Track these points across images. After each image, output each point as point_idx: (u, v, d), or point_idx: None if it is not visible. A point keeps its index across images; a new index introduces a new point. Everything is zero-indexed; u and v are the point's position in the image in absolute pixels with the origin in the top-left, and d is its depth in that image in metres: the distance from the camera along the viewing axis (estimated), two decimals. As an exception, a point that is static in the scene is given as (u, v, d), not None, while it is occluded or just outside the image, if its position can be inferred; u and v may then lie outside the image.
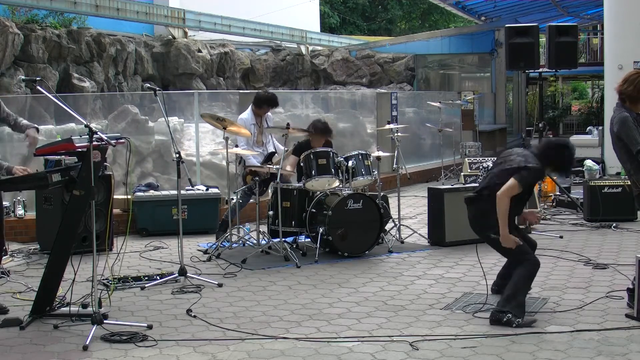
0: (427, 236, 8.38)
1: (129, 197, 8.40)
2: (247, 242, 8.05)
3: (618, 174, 12.15)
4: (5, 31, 14.59)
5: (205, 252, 7.88)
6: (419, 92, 20.79)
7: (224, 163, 8.61)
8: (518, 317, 5.20)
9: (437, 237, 8.14)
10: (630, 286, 5.58)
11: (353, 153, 8.01)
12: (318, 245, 7.57)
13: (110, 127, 11.12)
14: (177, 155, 6.56)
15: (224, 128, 7.67)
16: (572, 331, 5.08)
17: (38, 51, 15.31)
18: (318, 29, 29.11)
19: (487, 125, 19.86)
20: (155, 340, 4.99)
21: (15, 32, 14.77)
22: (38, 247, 7.98)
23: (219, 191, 9.27)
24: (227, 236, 8.00)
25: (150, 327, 5.27)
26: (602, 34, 21.23)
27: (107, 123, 11.42)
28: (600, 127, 14.73)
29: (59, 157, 7.43)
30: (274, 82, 22.64)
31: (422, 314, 5.59)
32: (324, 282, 6.65)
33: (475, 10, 22.86)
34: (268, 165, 7.87)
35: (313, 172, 7.65)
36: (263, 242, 7.90)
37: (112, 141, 5.35)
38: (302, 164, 7.81)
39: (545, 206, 10.26)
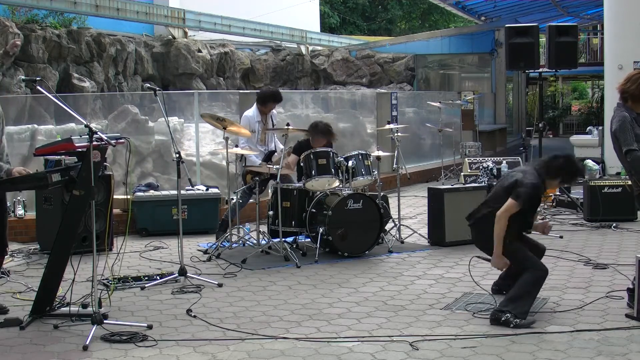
0: (427, 236, 8.38)
1: (129, 197, 8.40)
2: (247, 242, 8.05)
3: (618, 174, 12.14)
4: (5, 31, 14.58)
5: (205, 252, 7.88)
6: (419, 92, 20.79)
7: (224, 163, 8.61)
8: (517, 317, 5.19)
9: (437, 237, 8.14)
10: (630, 286, 5.59)
11: (353, 153, 8.00)
12: (318, 245, 7.57)
13: (110, 127, 11.13)
14: (177, 155, 6.56)
15: (224, 128, 7.67)
16: (572, 331, 5.08)
17: (38, 51, 15.30)
18: (318, 29, 29.10)
19: (487, 125, 19.86)
20: (155, 340, 4.99)
21: (15, 32, 14.76)
22: (38, 247, 7.98)
23: (219, 191, 9.26)
24: (227, 236, 8.00)
25: (150, 327, 5.27)
26: (602, 34, 21.24)
27: (107, 123, 11.42)
28: (600, 127, 14.73)
29: (59, 157, 7.43)
30: (274, 82, 22.63)
31: (422, 314, 5.59)
32: (324, 282, 6.65)
33: (475, 10, 22.86)
34: (268, 165, 7.86)
35: (313, 172, 7.65)
36: (263, 242, 7.90)
37: (112, 141, 5.35)
38: (302, 164, 7.81)
39: (545, 206, 10.26)
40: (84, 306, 5.54)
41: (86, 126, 5.08)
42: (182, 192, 7.93)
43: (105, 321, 5.21)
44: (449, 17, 38.49)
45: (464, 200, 7.85)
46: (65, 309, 5.51)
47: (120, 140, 5.64)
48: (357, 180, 7.90)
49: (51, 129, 10.57)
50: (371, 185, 8.44)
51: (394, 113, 13.67)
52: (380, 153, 8.31)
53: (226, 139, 7.76)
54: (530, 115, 25.22)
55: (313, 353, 4.76)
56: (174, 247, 7.54)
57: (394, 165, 9.03)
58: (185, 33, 20.30)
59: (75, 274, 5.48)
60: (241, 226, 8.37)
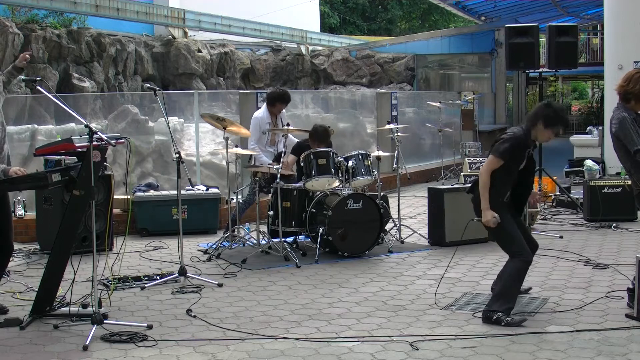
0: (427, 236, 8.38)
1: (129, 197, 8.40)
2: (247, 242, 8.05)
3: (618, 174, 12.14)
4: (5, 31, 14.59)
5: (205, 252, 7.88)
6: (419, 92, 20.80)
7: (224, 163, 8.61)
8: (506, 315, 5.21)
9: (437, 237, 8.14)
10: (630, 286, 5.59)
11: (353, 153, 8.00)
12: (318, 245, 7.57)
13: (110, 127, 11.13)
14: (177, 155, 6.56)
15: (224, 128, 7.67)
16: (572, 331, 5.08)
17: (38, 51, 15.30)
18: (318, 29, 29.10)
19: (487, 125, 19.87)
20: (155, 340, 4.99)
21: (15, 32, 14.77)
22: (38, 247, 7.99)
23: (219, 191, 9.26)
24: (227, 236, 8.01)
25: (150, 327, 5.27)
26: (602, 34, 21.23)
27: (107, 123, 11.42)
28: (600, 127, 14.73)
29: (59, 157, 7.44)
30: (274, 82, 22.63)
31: (422, 314, 5.59)
32: (324, 282, 6.65)
33: (475, 10, 22.85)
34: (268, 166, 7.86)
35: (313, 172, 7.65)
36: (263, 242, 7.90)
37: (112, 141, 5.35)
38: (302, 164, 7.81)
39: (545, 206, 10.26)
40: (84, 306, 5.54)
41: (86, 126, 5.08)
42: (182, 192, 7.93)
43: (105, 321, 5.21)
44: (449, 17, 38.49)
45: (464, 200, 7.81)
46: (65, 309, 5.51)
47: (120, 140, 5.64)
48: (357, 180, 7.90)
49: (51, 129, 10.57)
50: (371, 185, 8.44)
51: (394, 113, 13.67)
52: (380, 153, 8.31)
53: (226, 139, 7.76)
54: (530, 115, 25.16)
55: (313, 353, 4.76)
56: (174, 247, 7.54)
57: (394, 165, 9.03)
58: (185, 33, 20.30)
59: (75, 274, 5.48)
60: (241, 226, 8.37)
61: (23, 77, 6.31)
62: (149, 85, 7.02)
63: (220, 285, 6.50)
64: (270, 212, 7.87)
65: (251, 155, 8.30)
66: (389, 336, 5.06)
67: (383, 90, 17.85)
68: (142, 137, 11.28)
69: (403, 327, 5.26)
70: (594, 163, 12.04)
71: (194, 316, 5.58)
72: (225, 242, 7.97)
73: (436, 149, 14.97)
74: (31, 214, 8.50)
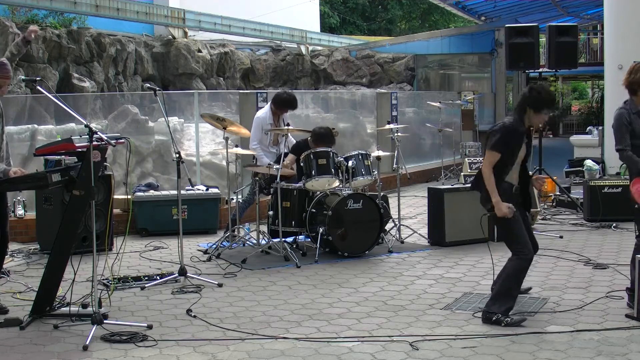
0: (427, 236, 8.38)
1: (129, 197, 8.40)
2: (247, 242, 8.05)
3: (618, 174, 12.14)
4: (5, 31, 14.58)
5: (205, 252, 7.88)
6: (419, 92, 20.79)
7: (224, 163, 8.61)
8: (505, 315, 5.21)
9: (437, 237, 8.14)
10: (629, 285, 5.59)
11: (353, 153, 8.01)
12: (318, 245, 7.58)
13: (110, 127, 11.13)
14: (177, 155, 6.56)
15: (224, 128, 7.67)
16: (572, 331, 5.08)
17: (38, 51, 15.30)
18: (318, 29, 29.10)
19: (487, 125, 19.80)
20: (155, 340, 4.99)
21: (15, 32, 14.76)
22: (38, 247, 7.99)
23: (219, 191, 9.26)
24: (227, 236, 8.01)
25: (150, 327, 5.27)
26: (602, 34, 21.23)
27: (107, 123, 11.42)
28: (600, 127, 14.72)
29: (59, 157, 7.44)
30: (274, 82, 22.63)
31: (422, 314, 5.59)
32: (324, 282, 6.65)
33: (475, 10, 22.84)
34: (267, 166, 7.86)
35: (313, 172, 7.66)
36: (263, 242, 7.90)
37: (112, 141, 5.35)
38: (302, 164, 7.81)
39: (545, 206, 10.26)
40: (84, 306, 5.54)
41: (86, 126, 5.08)
42: (182, 192, 7.94)
43: (105, 321, 5.21)
44: (449, 17, 38.49)
45: (464, 200, 7.86)
46: (65, 309, 5.51)
47: (120, 140, 5.64)
48: (357, 180, 7.90)
49: (51, 129, 10.57)
50: (371, 185, 8.44)
51: (394, 113, 13.68)
52: (380, 153, 8.31)
53: (226, 139, 7.76)
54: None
55: (313, 353, 4.76)
56: (174, 247, 7.54)
57: (394, 165, 9.03)
58: (185, 33, 20.29)
59: (75, 274, 5.48)
60: (241, 226, 8.37)
61: (23, 77, 6.31)
62: (149, 85, 7.02)
63: (220, 285, 6.50)
64: (270, 212, 7.87)
65: (254, 155, 8.30)
66: (389, 336, 5.06)
67: (383, 90, 17.85)
68: (142, 137, 11.28)
69: (403, 327, 5.26)
70: (594, 163, 12.04)
71: (194, 316, 5.58)
72: (225, 242, 7.98)
73: (436, 149, 14.97)
74: (31, 214, 8.50)
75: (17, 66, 15.00)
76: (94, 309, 5.22)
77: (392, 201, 8.98)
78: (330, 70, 23.40)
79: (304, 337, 5.08)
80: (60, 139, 7.49)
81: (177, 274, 6.64)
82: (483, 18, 23.55)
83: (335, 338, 5.05)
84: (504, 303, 5.28)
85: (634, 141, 5.74)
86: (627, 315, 5.35)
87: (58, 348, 4.89)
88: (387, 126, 9.18)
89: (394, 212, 8.86)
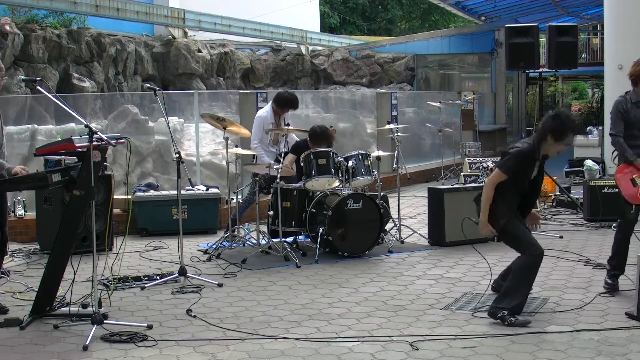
0: (427, 236, 8.38)
1: (129, 197, 8.40)
2: (247, 242, 8.05)
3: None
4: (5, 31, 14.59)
5: (205, 252, 7.88)
6: (419, 92, 20.80)
7: (224, 163, 8.61)
8: (512, 315, 5.20)
9: (437, 237, 8.14)
10: (608, 267, 6.02)
11: (353, 153, 8.00)
12: (318, 245, 7.57)
13: (110, 127, 11.13)
14: (177, 155, 6.56)
15: (224, 128, 7.67)
16: (572, 331, 5.08)
17: (38, 51, 15.31)
18: (318, 29, 29.11)
19: (487, 125, 19.86)
20: (155, 340, 4.99)
21: (15, 32, 14.77)
22: (38, 247, 7.98)
23: (219, 191, 9.26)
24: (227, 236, 8.01)
25: (150, 327, 5.27)
26: (602, 34, 21.22)
27: (107, 123, 11.42)
28: (600, 127, 14.72)
29: (59, 157, 7.44)
30: (274, 82, 22.64)
31: (422, 314, 5.59)
32: (324, 282, 6.65)
33: (475, 10, 22.86)
34: (267, 166, 7.85)
35: (313, 172, 7.65)
36: (263, 242, 7.90)
37: (112, 141, 5.35)
38: (302, 164, 7.81)
39: (545, 206, 10.26)
40: (84, 306, 5.54)
41: (86, 126, 5.08)
42: (182, 192, 7.93)
43: (105, 321, 5.21)
44: (449, 17, 38.50)
45: (464, 200, 7.85)
46: (65, 309, 5.51)
47: (121, 140, 5.64)
48: (357, 180, 7.89)
49: (51, 129, 10.57)
50: (371, 185, 8.44)
51: (394, 113, 13.67)
52: (380, 153, 8.30)
53: (226, 139, 7.76)
54: (530, 115, 25.19)
55: (313, 353, 4.76)
56: (174, 247, 7.54)
57: (394, 165, 9.03)
58: (185, 33, 20.30)
59: (75, 274, 5.48)
60: (241, 226, 8.37)
61: (23, 77, 6.31)
62: (149, 85, 7.02)
63: (220, 285, 6.50)
64: (270, 212, 7.87)
65: (254, 155, 8.30)
66: (389, 336, 5.06)
67: (383, 90, 17.85)
68: (142, 137, 11.28)
69: (403, 327, 5.26)
70: (594, 163, 12.04)
71: (194, 316, 5.58)
72: (225, 242, 7.97)
73: (436, 149, 14.97)
74: (31, 214, 8.50)
75: (17, 66, 15.02)
76: (94, 309, 5.22)
77: (392, 201, 8.98)
78: (330, 70, 23.41)
79: (304, 337, 5.07)
80: (60, 139, 7.49)
81: (177, 274, 6.64)
82: (483, 18, 23.56)
83: (335, 338, 5.05)
84: (512, 300, 5.24)
85: (629, 131, 5.96)
86: (627, 314, 5.36)
87: (58, 348, 4.88)
88: (387, 126, 9.18)
89: (394, 212, 8.86)
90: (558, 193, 10.79)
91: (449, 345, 4.86)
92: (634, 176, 5.87)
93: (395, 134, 8.66)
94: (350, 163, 7.80)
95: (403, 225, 8.71)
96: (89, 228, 6.88)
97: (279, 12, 23.84)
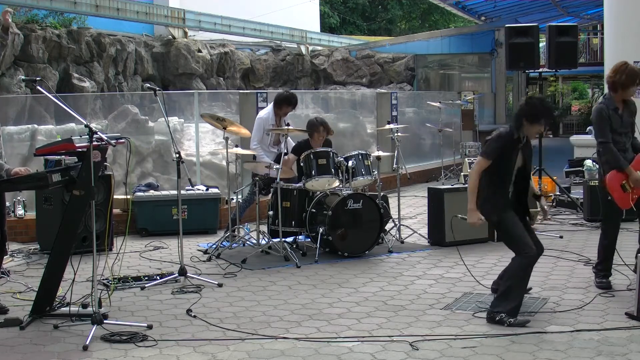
0: (427, 236, 8.38)
1: (129, 197, 8.40)
2: (247, 242, 8.05)
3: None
4: (6, 31, 14.58)
5: (205, 252, 7.88)
6: (419, 92, 20.79)
7: (224, 163, 8.61)
8: (510, 316, 5.20)
9: (437, 237, 8.14)
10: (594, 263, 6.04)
11: (353, 153, 8.00)
12: (318, 245, 7.57)
13: (110, 127, 11.13)
14: (177, 155, 6.56)
15: (224, 128, 7.68)
16: (572, 331, 5.08)
17: (38, 51, 15.30)
18: (318, 29, 29.10)
19: (487, 125, 19.85)
20: (155, 340, 5.00)
21: (15, 32, 14.77)
22: (38, 247, 7.98)
23: (219, 191, 9.26)
24: (227, 236, 8.01)
25: (150, 327, 5.27)
26: (602, 34, 21.23)
27: (107, 123, 11.42)
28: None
29: (59, 157, 7.44)
30: (274, 82, 22.63)
31: (422, 314, 5.59)
32: (324, 282, 6.65)
33: (475, 10, 22.86)
34: (266, 166, 7.85)
35: (313, 172, 7.65)
36: (263, 242, 7.90)
37: (112, 141, 5.35)
38: (302, 164, 7.81)
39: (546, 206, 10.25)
40: (84, 306, 5.54)
41: (86, 126, 5.08)
42: (182, 192, 7.93)
43: (105, 321, 5.21)
44: (449, 17, 38.49)
45: (464, 200, 7.80)
46: (65, 309, 5.51)
47: (121, 140, 5.64)
48: (357, 180, 7.89)
49: (51, 129, 10.57)
50: (371, 185, 8.44)
51: (394, 113, 13.67)
52: (380, 153, 8.31)
53: (226, 139, 7.76)
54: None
55: (313, 353, 4.76)
56: (174, 247, 7.54)
57: (394, 165, 9.03)
58: (185, 33, 20.30)
59: (75, 274, 5.48)
60: (241, 226, 8.37)
61: (23, 77, 6.31)
62: (149, 85, 7.02)
63: (220, 285, 6.50)
64: (270, 212, 7.87)
65: (254, 155, 8.29)
66: (389, 336, 5.06)
67: (383, 90, 17.85)
68: (142, 137, 11.28)
69: (403, 327, 5.26)
70: (594, 163, 12.02)
71: (194, 316, 5.58)
72: (225, 242, 7.97)
73: (436, 149, 14.97)
74: (31, 214, 8.50)
75: (17, 66, 15.02)
76: (94, 309, 5.22)
77: (392, 201, 8.98)
78: (330, 70, 23.41)
79: (304, 337, 5.08)
80: (60, 139, 7.49)
81: (177, 274, 6.64)
82: (483, 18, 23.56)
83: (335, 338, 5.05)
84: (508, 302, 5.25)
85: (612, 136, 6.05)
86: (627, 314, 5.36)
87: (58, 348, 4.89)
88: (387, 126, 9.18)
89: (394, 212, 8.86)
90: (558, 193, 10.79)
91: (449, 345, 4.86)
92: (623, 182, 5.93)
93: (395, 134, 8.65)
94: (350, 163, 7.80)
95: (403, 225, 8.71)
96: (89, 228, 6.88)
97: (279, 12, 23.83)
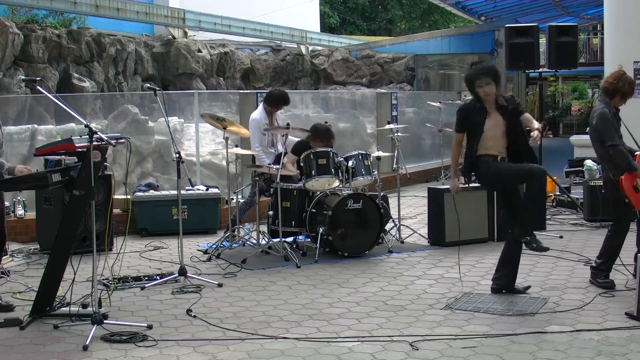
0: (427, 236, 8.38)
1: (129, 197, 8.40)
2: (247, 242, 8.05)
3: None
4: (5, 31, 14.58)
5: (205, 252, 7.88)
6: (419, 92, 20.78)
7: (224, 163, 8.61)
8: (528, 237, 5.78)
9: (437, 237, 8.14)
10: (593, 264, 6.22)
11: (353, 153, 8.01)
12: (318, 245, 7.57)
13: (110, 127, 11.12)
14: (177, 155, 6.56)
15: (224, 128, 7.67)
16: (572, 331, 5.08)
17: (38, 51, 15.30)
18: (318, 29, 29.10)
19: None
20: (155, 340, 5.00)
21: (15, 32, 14.76)
22: (38, 247, 7.98)
23: (219, 191, 9.26)
24: (227, 236, 8.01)
25: (150, 327, 5.27)
26: (602, 34, 21.23)
27: (107, 123, 11.42)
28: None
29: (59, 157, 7.44)
30: (274, 82, 22.62)
31: (422, 314, 5.59)
32: (324, 282, 6.65)
33: (475, 10, 22.86)
34: (268, 166, 7.86)
35: (313, 172, 7.65)
36: (263, 242, 7.90)
37: (112, 141, 5.35)
38: (302, 164, 7.81)
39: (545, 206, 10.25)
40: (84, 306, 5.54)
41: (86, 126, 5.08)
42: (182, 192, 7.93)
43: (105, 321, 5.21)
44: (449, 17, 38.50)
45: (464, 200, 7.85)
46: (65, 309, 5.51)
47: (121, 140, 5.64)
48: (357, 180, 7.90)
49: (51, 129, 10.57)
50: (371, 185, 8.44)
51: (394, 113, 13.67)
52: (380, 153, 8.31)
53: (226, 139, 7.76)
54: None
55: (313, 353, 4.76)
56: (174, 247, 7.54)
57: (394, 165, 9.03)
58: (185, 33, 20.29)
59: (75, 274, 5.48)
60: (241, 226, 8.37)
61: (23, 77, 6.31)
62: (149, 85, 7.03)
63: (220, 285, 6.50)
64: (270, 212, 7.87)
65: (253, 156, 8.29)
66: (389, 336, 5.06)
67: (383, 90, 17.84)
68: (142, 137, 11.27)
69: (403, 327, 5.26)
70: (594, 163, 11.99)
71: (194, 316, 5.58)
72: (225, 242, 7.98)
73: (436, 149, 14.96)
74: (31, 214, 8.50)
75: (17, 66, 15.02)
76: (94, 309, 5.22)
77: (392, 201, 8.98)
78: (330, 70, 23.40)
79: (304, 337, 5.08)
80: (60, 139, 7.49)
81: (177, 274, 6.64)
82: (483, 18, 23.55)
83: (335, 338, 5.05)
84: (524, 223, 5.82)
85: None
86: (627, 314, 5.36)
87: (58, 348, 4.89)
88: (387, 126, 9.18)
89: (394, 212, 8.86)
90: (558, 193, 10.79)
91: (449, 345, 4.87)
92: (635, 183, 5.95)
93: (395, 134, 8.65)
94: (350, 163, 7.80)
95: (403, 225, 8.71)
96: (89, 228, 6.88)
97: (279, 12, 23.83)
